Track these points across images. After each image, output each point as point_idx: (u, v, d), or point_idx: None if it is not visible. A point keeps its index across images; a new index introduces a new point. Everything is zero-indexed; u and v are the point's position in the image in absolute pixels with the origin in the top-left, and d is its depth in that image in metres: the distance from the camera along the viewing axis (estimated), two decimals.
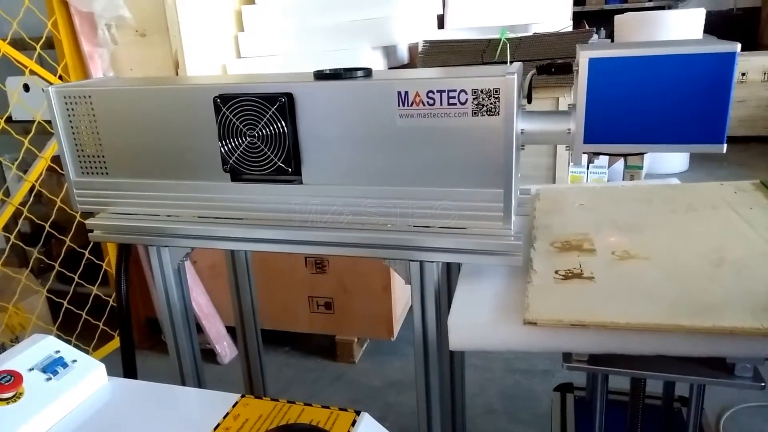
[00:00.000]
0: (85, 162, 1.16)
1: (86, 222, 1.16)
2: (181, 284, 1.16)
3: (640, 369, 0.88)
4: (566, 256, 0.99)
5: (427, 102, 0.94)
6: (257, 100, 1.00)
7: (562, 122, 0.96)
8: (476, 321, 0.84)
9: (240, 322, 1.49)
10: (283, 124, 1.00)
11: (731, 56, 0.88)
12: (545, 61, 2.57)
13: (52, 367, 0.90)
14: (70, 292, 2.29)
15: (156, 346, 2.54)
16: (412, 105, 0.94)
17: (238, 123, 1.02)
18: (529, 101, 1.04)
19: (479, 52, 2.40)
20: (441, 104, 0.93)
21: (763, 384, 0.80)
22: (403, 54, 2.82)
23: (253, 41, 2.57)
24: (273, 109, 0.99)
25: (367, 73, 1.01)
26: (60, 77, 2.18)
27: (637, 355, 0.80)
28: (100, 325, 2.41)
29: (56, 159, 2.17)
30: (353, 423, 0.75)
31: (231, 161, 1.05)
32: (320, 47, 2.48)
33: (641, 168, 3.60)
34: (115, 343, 2.50)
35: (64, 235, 2.20)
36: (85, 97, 1.12)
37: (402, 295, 2.48)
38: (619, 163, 3.59)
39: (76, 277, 2.29)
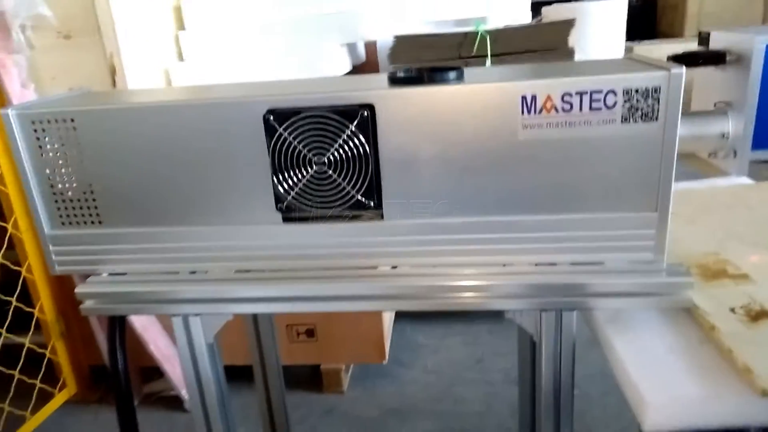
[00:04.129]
0: (66, 209, 0.85)
1: (76, 291, 0.85)
2: (216, 360, 0.87)
3: None
4: (720, 287, 0.81)
5: (562, 108, 0.72)
6: (330, 116, 0.74)
7: (717, 124, 0.78)
8: (678, 394, 0.64)
9: (260, 363, 1.24)
10: (365, 144, 0.75)
11: None
12: (525, 53, 2.39)
13: None
14: None
15: (105, 398, 2.22)
16: (540, 112, 0.73)
17: (300, 147, 0.76)
18: None
19: (455, 46, 2.21)
20: (581, 110, 0.72)
21: None
22: (362, 52, 2.59)
23: (198, 41, 2.24)
24: (352, 126, 0.74)
25: (460, 74, 0.78)
26: None
27: None
28: (37, 382, 2.05)
29: None
30: None
31: (289, 198, 0.79)
32: (278, 45, 2.19)
33: None
34: (57, 402, 2.14)
35: None
36: (65, 120, 0.81)
37: (388, 314, 2.27)
38: None
39: (3, 330, 1.91)
